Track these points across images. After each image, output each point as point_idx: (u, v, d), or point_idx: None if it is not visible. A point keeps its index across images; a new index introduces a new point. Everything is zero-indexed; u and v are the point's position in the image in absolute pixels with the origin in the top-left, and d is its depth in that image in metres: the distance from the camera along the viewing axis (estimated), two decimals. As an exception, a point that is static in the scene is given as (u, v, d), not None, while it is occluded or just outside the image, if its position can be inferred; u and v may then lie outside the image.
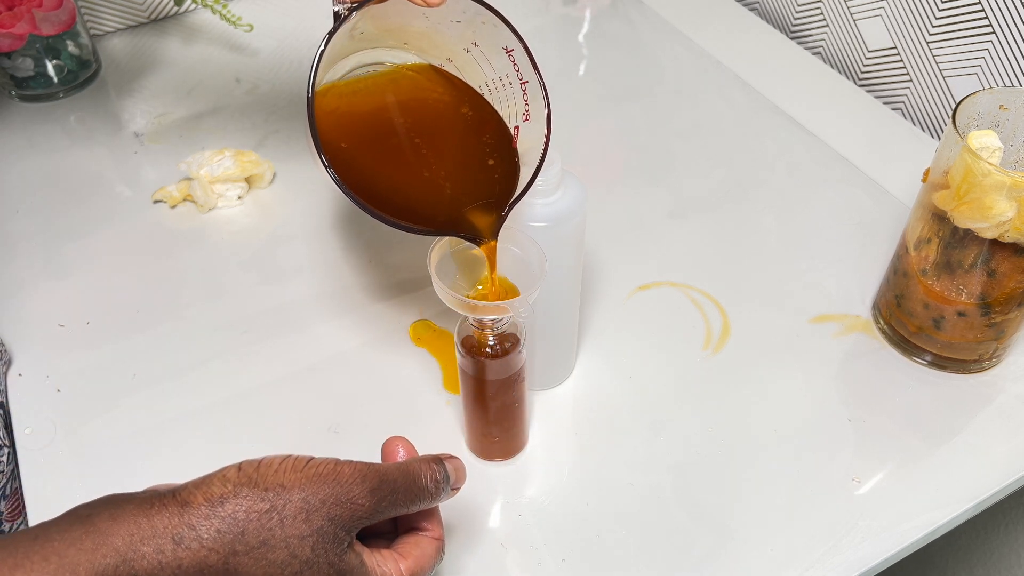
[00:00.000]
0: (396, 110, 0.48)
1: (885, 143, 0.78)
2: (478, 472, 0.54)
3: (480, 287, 0.48)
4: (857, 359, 0.60)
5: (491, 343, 0.46)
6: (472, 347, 0.47)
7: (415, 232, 0.43)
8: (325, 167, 0.41)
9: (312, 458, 0.36)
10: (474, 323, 0.46)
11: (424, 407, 0.57)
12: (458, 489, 0.41)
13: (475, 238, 0.45)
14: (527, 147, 0.47)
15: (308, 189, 0.74)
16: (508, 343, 0.47)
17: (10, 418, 0.57)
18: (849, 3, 0.84)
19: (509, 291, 0.47)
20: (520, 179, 0.46)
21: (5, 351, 0.59)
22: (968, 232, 0.51)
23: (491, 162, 0.47)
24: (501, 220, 0.45)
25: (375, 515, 0.37)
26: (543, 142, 0.45)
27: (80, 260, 0.67)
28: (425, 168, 0.47)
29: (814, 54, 0.90)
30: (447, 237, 0.45)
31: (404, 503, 0.38)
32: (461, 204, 0.46)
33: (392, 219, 0.42)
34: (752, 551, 0.50)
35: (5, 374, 0.58)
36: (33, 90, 0.82)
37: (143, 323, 0.63)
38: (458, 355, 0.48)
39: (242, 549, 0.33)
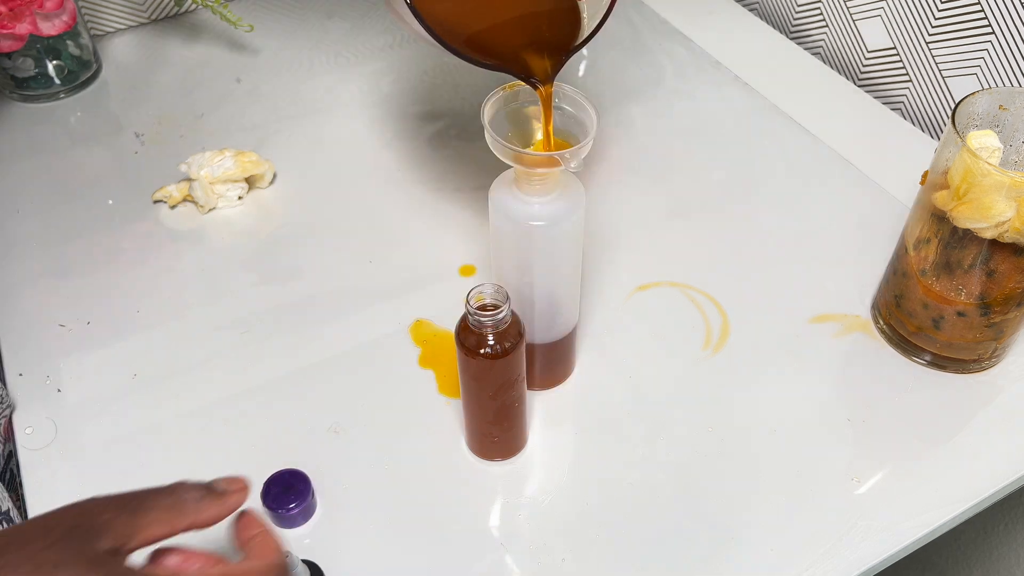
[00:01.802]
0: None
1: (885, 143, 0.78)
2: (478, 472, 0.54)
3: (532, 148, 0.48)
4: (857, 359, 0.60)
5: (491, 343, 0.47)
6: (471, 348, 0.47)
7: (479, 64, 0.44)
8: None
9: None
10: (474, 324, 0.46)
11: (424, 407, 0.57)
12: (239, 491, 0.39)
13: (531, 80, 0.46)
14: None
15: (308, 189, 0.74)
16: (508, 343, 0.47)
17: (19, 473, 0.55)
18: (849, 3, 0.84)
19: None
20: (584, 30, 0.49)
21: (7, 395, 0.58)
22: (967, 232, 0.51)
23: (558, 9, 0.50)
24: (560, 64, 0.46)
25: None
26: None
27: (80, 260, 0.68)
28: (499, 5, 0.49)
29: (814, 54, 0.90)
30: (501, 94, 0.46)
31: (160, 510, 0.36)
32: (527, 39, 0.47)
33: (458, 49, 0.44)
34: (752, 551, 0.50)
35: (10, 419, 0.57)
36: (34, 90, 0.82)
37: (143, 323, 0.63)
38: (458, 355, 0.48)
39: None
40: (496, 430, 0.52)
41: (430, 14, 0.43)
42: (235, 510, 0.39)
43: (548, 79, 0.46)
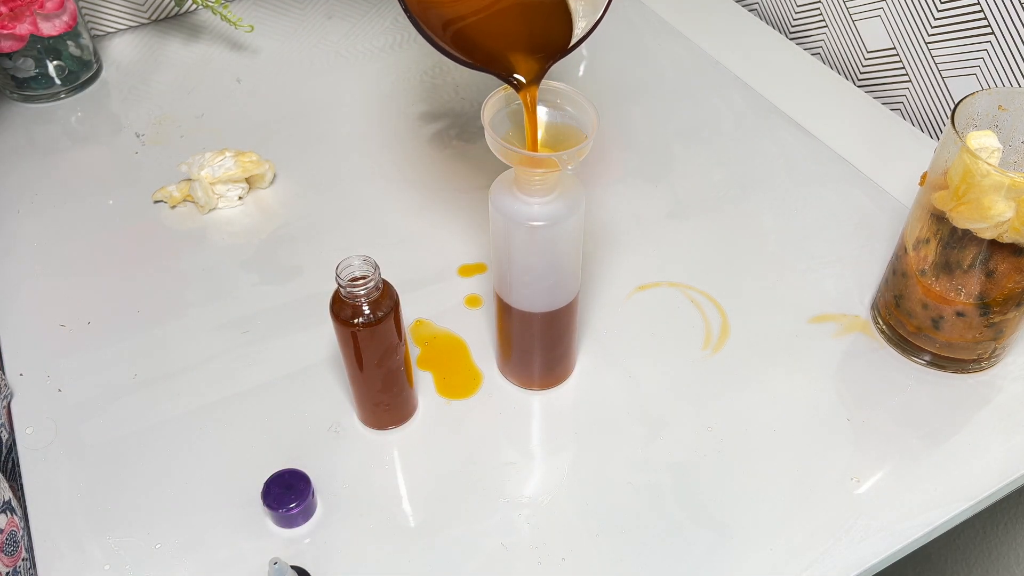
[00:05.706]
0: None
1: (884, 143, 0.78)
2: (479, 471, 0.54)
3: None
4: (856, 359, 0.60)
5: (366, 312, 0.48)
6: (347, 319, 0.48)
7: (463, 64, 0.44)
8: None
9: None
10: (346, 296, 0.48)
11: (424, 407, 0.57)
12: None
13: (517, 83, 0.45)
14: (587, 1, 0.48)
15: (308, 189, 0.74)
16: (382, 311, 0.48)
17: (19, 465, 0.55)
18: (848, 3, 0.84)
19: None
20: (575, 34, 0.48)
21: (6, 385, 0.58)
22: (967, 232, 0.51)
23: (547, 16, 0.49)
24: (546, 68, 0.46)
25: None
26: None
27: (80, 260, 0.68)
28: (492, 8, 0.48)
29: (813, 54, 0.90)
30: (502, 94, 0.46)
31: None
32: (515, 38, 0.47)
33: (445, 47, 0.43)
34: (752, 551, 0.50)
35: (7, 408, 0.58)
36: (34, 91, 0.82)
37: (143, 323, 0.63)
38: (336, 329, 0.49)
39: None
40: (386, 397, 0.53)
41: (416, 6, 0.43)
42: None
43: (534, 81, 0.46)
